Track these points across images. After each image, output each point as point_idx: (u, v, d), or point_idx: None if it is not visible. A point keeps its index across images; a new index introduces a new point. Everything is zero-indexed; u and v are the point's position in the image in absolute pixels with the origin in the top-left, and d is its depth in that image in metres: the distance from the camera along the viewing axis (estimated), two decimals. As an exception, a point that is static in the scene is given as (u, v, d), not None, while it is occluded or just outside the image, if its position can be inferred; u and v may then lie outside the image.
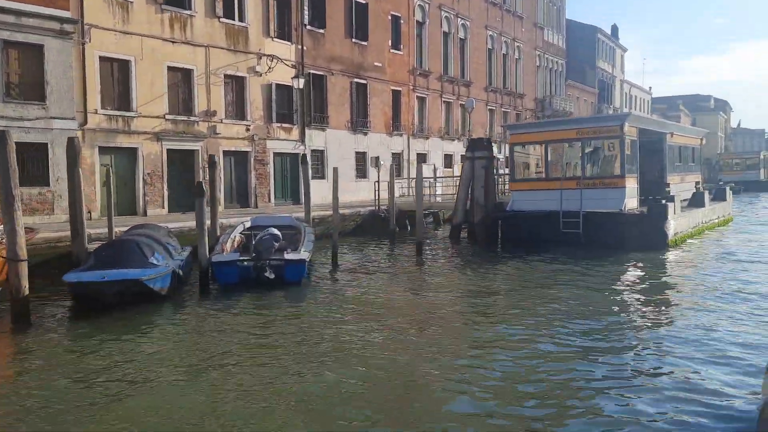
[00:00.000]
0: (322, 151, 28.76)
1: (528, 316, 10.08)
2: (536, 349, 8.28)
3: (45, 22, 18.59)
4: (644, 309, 10.84)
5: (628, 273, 14.56)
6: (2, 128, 11.39)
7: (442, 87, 37.43)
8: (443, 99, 37.68)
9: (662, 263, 15.71)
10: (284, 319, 10.39)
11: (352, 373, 7.40)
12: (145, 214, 21.23)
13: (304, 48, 27.38)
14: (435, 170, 32.41)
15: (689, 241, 19.25)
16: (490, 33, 42.71)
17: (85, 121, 19.77)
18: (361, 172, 31.11)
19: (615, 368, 7.47)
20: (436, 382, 7.13)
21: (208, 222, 14.76)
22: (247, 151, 25.18)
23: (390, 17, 32.75)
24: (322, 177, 27.97)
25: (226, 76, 24.14)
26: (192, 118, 22.90)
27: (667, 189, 21.31)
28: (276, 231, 13.68)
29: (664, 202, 17.87)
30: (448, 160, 37.75)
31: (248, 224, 16.83)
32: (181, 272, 12.19)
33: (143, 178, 21.52)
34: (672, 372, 7.31)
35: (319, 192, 25.22)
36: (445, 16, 37.65)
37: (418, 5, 35.17)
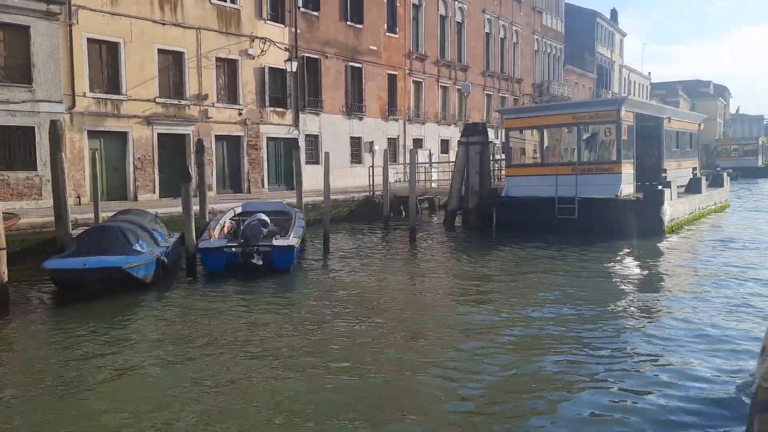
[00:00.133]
0: (316, 136, 28.44)
1: (520, 303, 9.89)
2: (528, 336, 8.12)
3: (31, 3, 18.19)
4: (637, 295, 10.69)
5: (622, 259, 14.38)
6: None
7: (438, 71, 37.01)
8: (440, 83, 37.29)
9: (657, 250, 15.54)
10: (270, 307, 10.18)
11: (337, 364, 7.20)
12: (136, 199, 20.98)
13: (298, 31, 26.96)
14: (430, 156, 32.10)
15: (686, 227, 19.08)
16: (488, 17, 42.19)
17: (73, 105, 19.44)
18: (356, 158, 30.81)
19: (607, 355, 7.34)
20: (422, 373, 6.93)
21: (196, 208, 14.54)
22: (239, 136, 24.85)
23: (386, 0, 32.26)
24: (317, 162, 27.65)
25: (217, 59, 23.77)
26: (183, 102, 22.56)
27: (663, 175, 21.09)
28: (264, 217, 13.43)
29: (660, 187, 17.64)
30: (445, 145, 37.43)
31: (239, 210, 16.58)
32: (165, 259, 11.92)
33: (134, 163, 21.22)
34: (665, 357, 7.24)
35: (314, 177, 24.92)
36: (442, -1, 37.16)
37: (415, -12, 34.67)
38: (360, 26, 30.44)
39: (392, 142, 33.07)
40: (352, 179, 29.30)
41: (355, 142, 30.83)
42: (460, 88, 37.82)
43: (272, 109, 26.09)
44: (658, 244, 16.07)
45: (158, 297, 10.82)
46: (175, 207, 17.45)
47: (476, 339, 8.14)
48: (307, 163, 27.12)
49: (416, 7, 35.04)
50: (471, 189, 20.56)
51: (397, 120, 33.45)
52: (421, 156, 30.71)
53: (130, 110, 20.98)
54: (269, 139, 26.14)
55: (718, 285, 11.11)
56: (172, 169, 21.97)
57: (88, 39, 19.82)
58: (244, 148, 25.02)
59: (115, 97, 20.59)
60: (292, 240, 13.18)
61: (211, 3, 23.37)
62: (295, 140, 26.78)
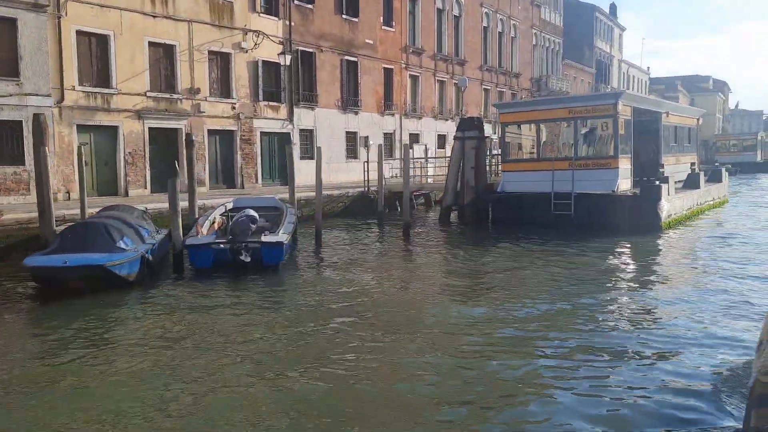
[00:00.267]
0: (311, 131, 28.13)
1: (515, 300, 9.66)
2: (522, 334, 7.92)
3: (18, -5, 17.89)
4: (633, 292, 10.48)
5: (618, 256, 14.17)
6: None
7: (435, 65, 36.68)
8: (437, 78, 36.96)
9: (654, 246, 15.32)
10: (258, 304, 9.93)
11: (327, 363, 6.96)
12: (126, 194, 20.69)
13: (292, 24, 26.62)
14: (427, 151, 31.81)
15: (683, 223, 18.84)
16: (486, 10, 41.82)
17: (62, 98, 19.12)
18: (352, 153, 30.50)
19: (603, 351, 7.21)
20: (415, 371, 6.69)
21: (184, 203, 14.25)
22: (232, 130, 24.55)
23: (382, -7, 31.90)
24: (312, 157, 27.25)
25: (210, 52, 23.43)
26: (175, 96, 22.24)
27: (661, 170, 20.86)
28: (253, 212, 13.15)
29: (657, 183, 17.39)
30: (442, 140, 37.11)
31: (230, 205, 16.30)
32: (151, 257, 11.62)
33: (124, 158, 20.93)
34: (660, 352, 7.18)
35: (308, 172, 24.61)
36: (439, -7, 36.77)
37: (411, -19, 34.29)
38: (355, 19, 30.09)
39: (388, 137, 32.77)
40: (347, 174, 29.01)
41: (351, 137, 30.51)
42: (457, 82, 37.49)
43: (266, 103, 25.77)
44: (656, 241, 15.84)
45: (142, 295, 10.56)
46: (165, 203, 17.12)
47: (470, 336, 7.94)
48: (302, 158, 26.85)
49: (413, 1, 34.65)
50: (466, 184, 20.30)
51: (393, 115, 33.14)
52: (418, 151, 30.44)
53: (120, 104, 20.67)
54: (263, 133, 25.83)
55: (715, 281, 10.97)
56: (163, 164, 21.62)
57: (77, 31, 19.49)
58: (238, 142, 24.72)
59: (105, 90, 20.27)
60: (282, 236, 12.91)
61: (203, -5, 23.04)
62: (288, 136, 26.47)
